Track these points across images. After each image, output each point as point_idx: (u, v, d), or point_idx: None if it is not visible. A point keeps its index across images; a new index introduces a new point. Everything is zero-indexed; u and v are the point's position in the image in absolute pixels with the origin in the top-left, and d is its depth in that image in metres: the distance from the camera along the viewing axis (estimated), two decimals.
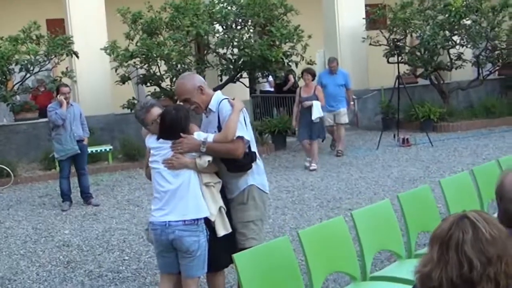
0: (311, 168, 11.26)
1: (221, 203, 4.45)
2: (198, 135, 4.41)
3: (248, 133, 4.52)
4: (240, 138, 4.43)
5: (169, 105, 4.54)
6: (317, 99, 11.31)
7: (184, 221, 4.21)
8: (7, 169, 11.93)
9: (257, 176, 4.66)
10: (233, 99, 4.62)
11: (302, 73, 11.78)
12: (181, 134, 4.33)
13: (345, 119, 12.73)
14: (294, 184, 10.18)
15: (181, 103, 4.60)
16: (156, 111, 4.47)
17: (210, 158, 4.39)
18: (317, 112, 11.16)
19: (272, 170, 11.44)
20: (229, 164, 4.48)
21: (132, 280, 6.13)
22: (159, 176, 4.33)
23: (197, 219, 4.25)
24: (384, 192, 9.15)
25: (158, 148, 4.37)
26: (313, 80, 11.66)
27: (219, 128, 4.52)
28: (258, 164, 4.69)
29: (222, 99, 4.61)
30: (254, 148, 4.65)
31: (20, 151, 13.77)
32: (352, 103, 13.37)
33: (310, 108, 11.18)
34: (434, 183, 9.19)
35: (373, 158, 12.06)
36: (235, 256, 3.67)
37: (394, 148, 13.01)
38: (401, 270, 4.39)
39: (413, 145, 13.11)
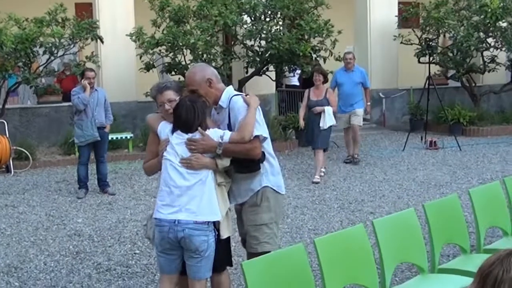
0: (313, 180, 9.91)
1: (229, 204, 4.24)
2: (215, 132, 4.15)
3: (264, 131, 4.26)
4: (257, 137, 4.17)
5: (187, 96, 4.22)
6: (328, 104, 10.15)
7: (195, 220, 3.97)
8: (26, 152, 11.82)
9: (272, 176, 4.38)
10: (247, 95, 4.35)
11: (312, 73, 10.67)
12: (198, 129, 4.08)
13: (360, 120, 11.49)
14: (316, 183, 9.89)
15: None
16: (169, 94, 4.21)
17: (229, 158, 4.17)
18: (329, 119, 10.03)
19: (294, 167, 11.17)
20: (237, 164, 4.22)
21: (141, 276, 5.91)
22: (174, 170, 4.06)
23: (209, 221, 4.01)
24: (408, 196, 8.83)
25: (176, 141, 4.11)
26: (324, 82, 10.44)
27: (229, 126, 4.25)
28: (273, 164, 4.40)
29: (234, 95, 4.32)
30: (268, 147, 4.39)
31: (41, 135, 13.67)
32: (368, 103, 12.16)
33: (319, 114, 10.06)
34: (460, 190, 8.92)
35: (399, 160, 11.72)
36: (244, 264, 3.41)
37: (421, 151, 12.65)
38: (422, 286, 4.10)
39: (440, 149, 12.74)
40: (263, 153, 4.29)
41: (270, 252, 4.02)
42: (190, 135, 4.09)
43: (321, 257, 3.73)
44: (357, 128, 11.44)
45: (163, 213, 4.04)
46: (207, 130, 4.13)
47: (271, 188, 4.35)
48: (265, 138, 4.25)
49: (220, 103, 4.31)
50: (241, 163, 4.20)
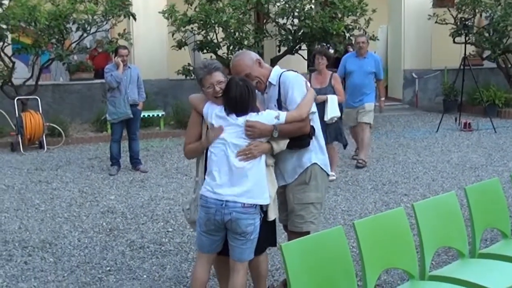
0: (329, 178, 8.80)
1: (277, 186, 4.18)
2: (269, 114, 4.06)
3: (312, 106, 4.28)
4: (307, 115, 4.20)
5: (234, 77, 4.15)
6: (334, 92, 8.49)
7: (244, 203, 3.90)
8: (59, 128, 11.90)
9: (321, 154, 4.40)
10: (295, 71, 4.36)
11: (313, 55, 8.74)
12: (252, 113, 4.00)
13: (370, 117, 9.65)
14: (348, 163, 9.79)
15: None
16: (218, 76, 4.09)
17: (286, 141, 4.13)
18: (332, 110, 8.34)
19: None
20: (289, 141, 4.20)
21: (175, 254, 5.90)
22: (226, 150, 3.96)
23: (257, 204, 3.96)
24: (443, 178, 8.69)
25: (228, 123, 4.00)
26: (328, 66, 8.73)
27: (279, 102, 4.26)
28: (321, 143, 4.41)
29: (283, 72, 4.36)
30: (317, 123, 4.41)
31: (73, 111, 13.75)
32: (383, 99, 10.38)
33: (323, 104, 8.25)
34: (496, 173, 8.76)
35: (432, 141, 11.54)
36: (283, 246, 3.36)
37: (455, 132, 12.45)
38: (464, 271, 4.02)
39: (475, 130, 12.53)
40: (313, 128, 4.29)
41: (310, 234, 3.97)
42: (243, 117, 3.98)
43: (360, 240, 3.66)
44: (365, 128, 9.63)
45: (211, 191, 3.94)
46: (261, 112, 4.05)
47: (320, 166, 4.35)
48: (313, 113, 4.27)
49: (270, 80, 4.33)
50: (291, 139, 4.17)
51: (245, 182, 3.91)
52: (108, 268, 5.59)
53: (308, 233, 4.19)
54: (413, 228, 4.13)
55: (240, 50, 4.51)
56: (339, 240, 3.66)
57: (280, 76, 4.31)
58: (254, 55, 4.35)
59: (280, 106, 4.25)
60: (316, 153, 4.35)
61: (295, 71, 4.41)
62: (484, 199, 4.63)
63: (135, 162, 9.64)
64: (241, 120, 3.98)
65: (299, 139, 4.21)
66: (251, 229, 3.94)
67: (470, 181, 8.37)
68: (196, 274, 4.14)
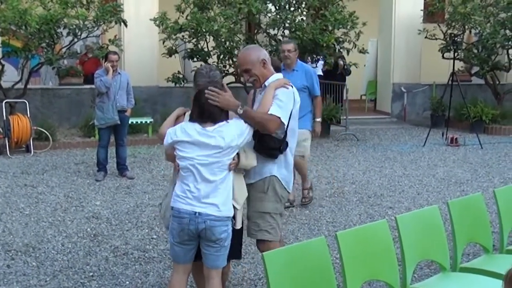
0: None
1: (246, 194, 4.22)
2: (239, 121, 4.07)
3: (286, 117, 4.20)
4: (277, 117, 4.14)
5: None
6: None
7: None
8: (47, 132, 11.87)
9: (284, 170, 4.39)
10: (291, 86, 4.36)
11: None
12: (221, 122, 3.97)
13: (305, 149, 7.61)
14: (334, 175, 9.83)
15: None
16: None
17: (255, 159, 4.15)
18: None
19: (313, 159, 11.09)
20: (258, 144, 4.21)
21: (158, 262, 5.89)
22: (194, 165, 3.91)
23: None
24: (428, 192, 8.74)
25: (192, 143, 3.93)
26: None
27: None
28: (288, 160, 4.41)
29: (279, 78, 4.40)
30: (293, 141, 4.40)
31: (62, 116, 13.74)
32: (318, 120, 7.86)
33: None
34: (481, 188, 8.81)
35: (419, 156, 11.61)
36: (265, 255, 3.36)
37: (442, 147, 12.52)
38: (445, 285, 4.05)
39: (461, 146, 12.61)
40: (286, 143, 4.29)
41: (292, 244, 4.00)
42: (212, 127, 3.93)
43: (342, 251, 3.68)
44: (301, 163, 7.72)
45: (182, 203, 3.93)
46: (232, 121, 4.02)
47: (280, 180, 4.36)
48: (283, 126, 4.21)
49: (266, 83, 4.35)
50: (262, 143, 4.19)
51: (216, 195, 3.91)
52: (91, 274, 5.58)
53: (263, 241, 4.31)
54: (396, 241, 4.15)
55: (254, 45, 4.48)
56: (321, 251, 3.67)
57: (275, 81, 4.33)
58: (262, 54, 4.35)
59: None
60: (280, 167, 4.35)
61: (291, 86, 4.38)
62: (467, 214, 4.66)
63: (121, 168, 9.62)
64: (210, 131, 3.93)
65: (268, 148, 4.22)
66: (225, 236, 3.97)
67: (455, 195, 8.42)
68: (173, 286, 4.15)
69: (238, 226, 4.17)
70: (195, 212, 3.89)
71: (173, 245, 4.08)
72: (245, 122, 4.04)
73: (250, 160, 4.12)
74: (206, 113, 3.95)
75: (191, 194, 3.92)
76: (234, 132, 3.95)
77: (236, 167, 4.04)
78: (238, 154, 4.02)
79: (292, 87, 4.36)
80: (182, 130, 3.97)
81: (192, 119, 4.00)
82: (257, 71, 4.30)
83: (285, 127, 4.25)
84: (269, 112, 4.12)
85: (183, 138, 3.94)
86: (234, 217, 4.08)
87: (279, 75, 4.46)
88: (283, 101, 4.19)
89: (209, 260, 4.04)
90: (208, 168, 3.90)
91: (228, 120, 4.01)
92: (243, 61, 4.34)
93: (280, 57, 7.93)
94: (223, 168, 3.93)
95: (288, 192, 4.52)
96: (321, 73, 16.91)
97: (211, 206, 3.90)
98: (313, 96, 7.74)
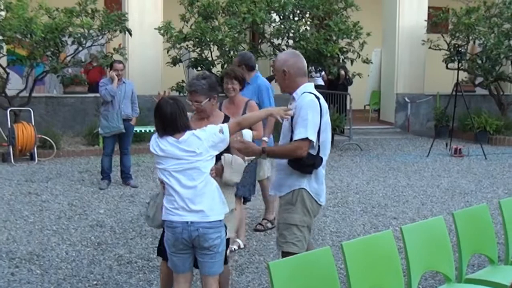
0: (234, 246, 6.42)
1: (234, 205, 4.41)
2: (212, 128, 4.06)
3: (313, 134, 4.22)
4: (305, 139, 4.19)
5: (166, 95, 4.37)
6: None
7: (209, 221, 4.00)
8: (51, 141, 11.88)
9: (315, 183, 4.38)
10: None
11: (221, 78, 6.26)
12: (189, 131, 4.00)
13: (265, 170, 7.11)
14: (338, 185, 9.81)
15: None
16: (196, 96, 4.42)
17: (237, 180, 4.30)
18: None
19: None
20: (292, 160, 4.28)
21: None
22: (172, 176, 3.99)
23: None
24: (432, 203, 8.72)
25: (170, 155, 3.99)
26: (242, 89, 6.10)
27: (292, 117, 4.29)
28: (318, 173, 4.40)
29: (305, 92, 4.36)
30: (324, 154, 4.38)
31: (66, 124, 13.76)
32: (265, 139, 6.32)
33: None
34: (486, 199, 8.79)
35: (423, 166, 11.60)
36: (271, 265, 3.36)
37: (445, 157, 12.51)
38: None
39: (465, 156, 12.59)
40: (321, 159, 4.32)
41: (297, 254, 3.99)
42: (180, 138, 3.97)
43: (348, 261, 3.67)
44: (263, 181, 7.21)
45: (172, 214, 4.00)
46: (203, 128, 4.05)
47: (309, 192, 4.35)
48: (312, 142, 4.23)
49: (294, 94, 4.39)
50: (295, 161, 4.25)
51: (202, 200, 3.96)
52: (95, 282, 5.57)
53: (290, 253, 4.18)
54: (401, 251, 4.15)
55: (294, 51, 4.50)
56: (326, 261, 3.67)
57: (302, 95, 4.34)
58: (287, 65, 4.38)
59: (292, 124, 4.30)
60: (310, 181, 4.35)
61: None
62: (472, 225, 4.65)
63: (125, 177, 9.63)
64: (181, 140, 3.97)
65: (302, 166, 4.26)
66: (218, 242, 4.00)
67: (459, 206, 8.41)
68: None
69: (229, 236, 4.29)
70: (187, 222, 3.96)
71: (170, 256, 4.15)
72: (220, 129, 4.06)
73: (233, 176, 4.23)
74: (168, 123, 3.98)
75: (178, 205, 3.98)
76: (203, 136, 4.00)
77: (216, 177, 4.12)
78: (222, 167, 4.15)
79: (318, 98, 4.33)
80: (158, 147, 4.03)
81: (160, 134, 4.03)
82: (278, 79, 4.46)
83: (316, 143, 4.27)
84: (294, 138, 4.19)
85: (159, 153, 4.02)
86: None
87: (308, 85, 4.42)
88: (308, 119, 4.20)
89: (206, 267, 4.09)
90: (184, 174, 3.96)
91: (203, 128, 4.06)
92: (276, 65, 4.49)
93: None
94: (200, 172, 3.97)
95: (319, 205, 4.48)
96: (321, 83, 17.05)
97: (199, 213, 3.96)
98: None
